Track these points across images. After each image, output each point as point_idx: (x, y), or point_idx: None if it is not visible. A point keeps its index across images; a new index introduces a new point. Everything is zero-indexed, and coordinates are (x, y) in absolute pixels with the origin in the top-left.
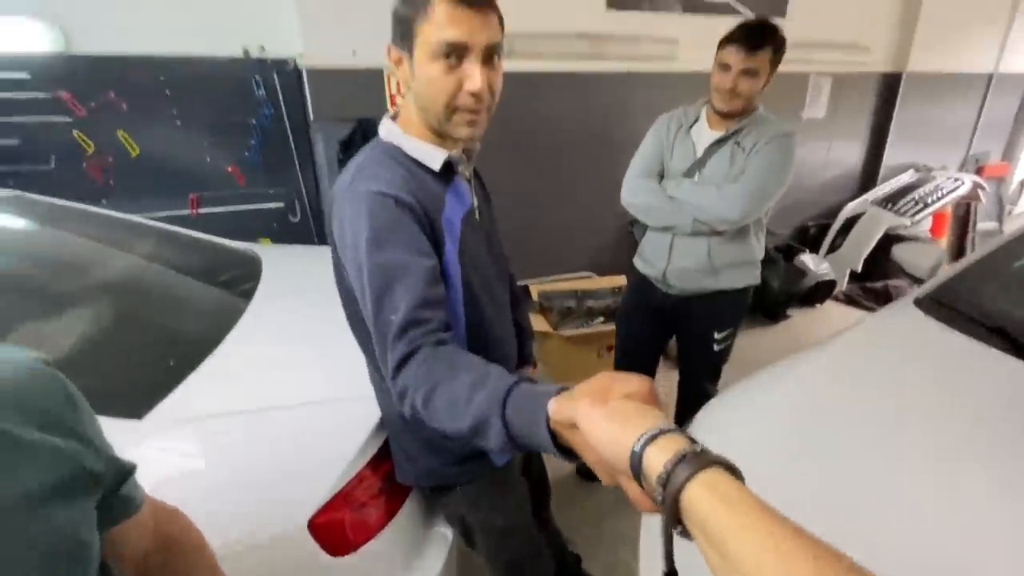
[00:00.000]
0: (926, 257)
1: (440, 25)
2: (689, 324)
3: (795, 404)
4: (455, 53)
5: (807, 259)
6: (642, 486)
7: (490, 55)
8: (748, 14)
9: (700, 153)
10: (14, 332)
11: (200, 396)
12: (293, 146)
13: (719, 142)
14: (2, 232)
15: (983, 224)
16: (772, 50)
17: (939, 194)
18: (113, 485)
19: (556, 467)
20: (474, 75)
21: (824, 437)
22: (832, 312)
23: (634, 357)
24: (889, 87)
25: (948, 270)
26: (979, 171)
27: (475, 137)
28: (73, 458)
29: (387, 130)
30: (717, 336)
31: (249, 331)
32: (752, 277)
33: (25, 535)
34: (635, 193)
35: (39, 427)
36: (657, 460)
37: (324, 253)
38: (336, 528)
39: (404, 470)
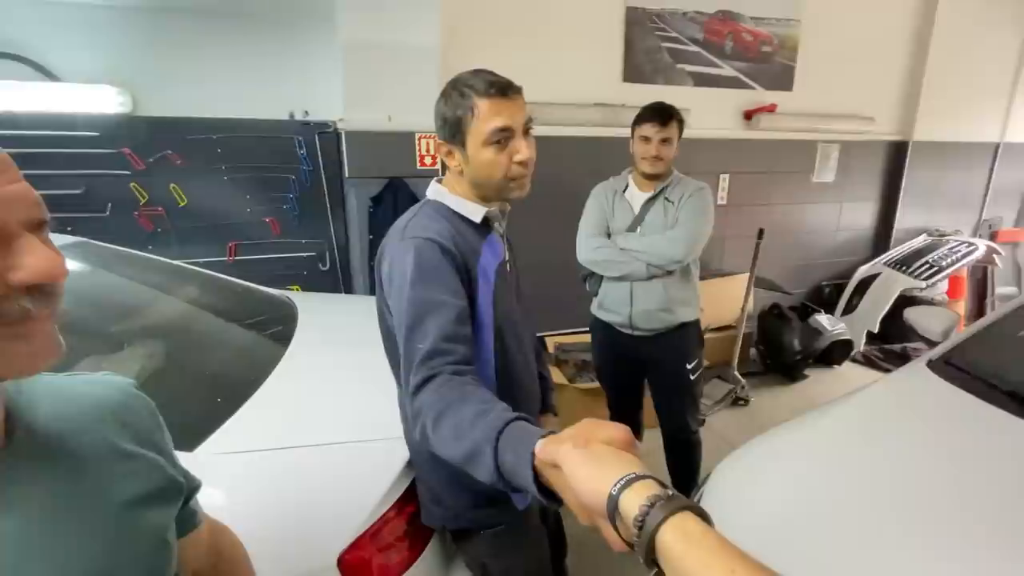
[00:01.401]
0: (938, 320)
1: (487, 118)
2: (661, 362)
3: (805, 466)
4: (503, 136)
5: (822, 319)
6: (617, 528)
7: (526, 129)
8: (756, 87)
9: (637, 211)
10: (79, 365)
11: (244, 432)
12: (328, 200)
13: (651, 199)
14: (72, 275)
15: (1002, 288)
16: (677, 123)
17: (953, 258)
18: (186, 498)
19: (572, 518)
20: (521, 148)
21: (834, 500)
22: (850, 373)
23: (622, 404)
24: (897, 154)
25: (960, 333)
26: (993, 236)
27: (524, 195)
28: (163, 469)
29: (435, 191)
30: (688, 367)
31: (287, 373)
32: (696, 312)
33: (133, 532)
34: (592, 250)
35: (137, 442)
36: (632, 504)
37: (353, 302)
38: (363, 567)
39: (429, 512)
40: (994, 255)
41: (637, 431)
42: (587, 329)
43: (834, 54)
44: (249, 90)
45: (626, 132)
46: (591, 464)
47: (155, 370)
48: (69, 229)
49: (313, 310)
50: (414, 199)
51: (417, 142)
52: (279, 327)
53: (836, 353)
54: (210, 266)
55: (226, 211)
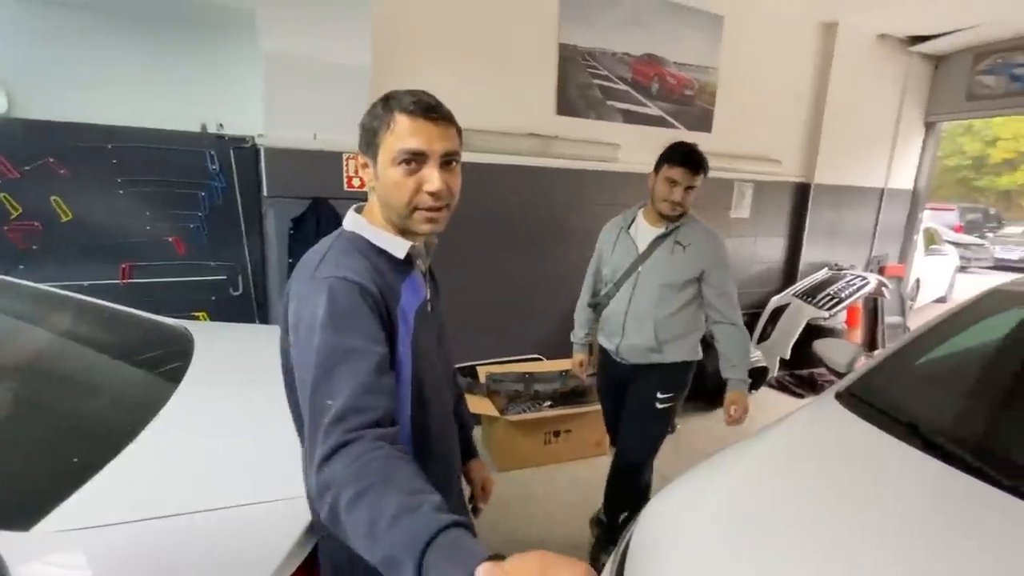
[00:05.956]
0: (843, 352)
1: (401, 136)
2: (637, 388)
3: (725, 504)
4: (415, 160)
5: None
6: None
7: (448, 161)
8: (679, 127)
9: (643, 247)
10: None
11: (105, 500)
12: (243, 220)
13: (661, 238)
14: None
15: (890, 318)
16: (704, 173)
17: (850, 290)
18: None
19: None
20: (432, 178)
21: (752, 535)
22: (765, 398)
23: (615, 428)
24: (801, 195)
25: (863, 365)
26: (881, 271)
27: (435, 232)
28: None
29: (353, 222)
30: (660, 396)
31: (173, 420)
32: (694, 353)
33: None
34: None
35: None
36: None
37: (265, 332)
38: None
39: None
40: (883, 287)
41: None
42: (520, 358)
43: (747, 101)
44: (154, 98)
45: (559, 163)
46: None
47: None
48: None
49: (215, 342)
50: (340, 222)
51: (345, 162)
52: (170, 363)
53: (753, 379)
54: (98, 289)
55: (120, 228)
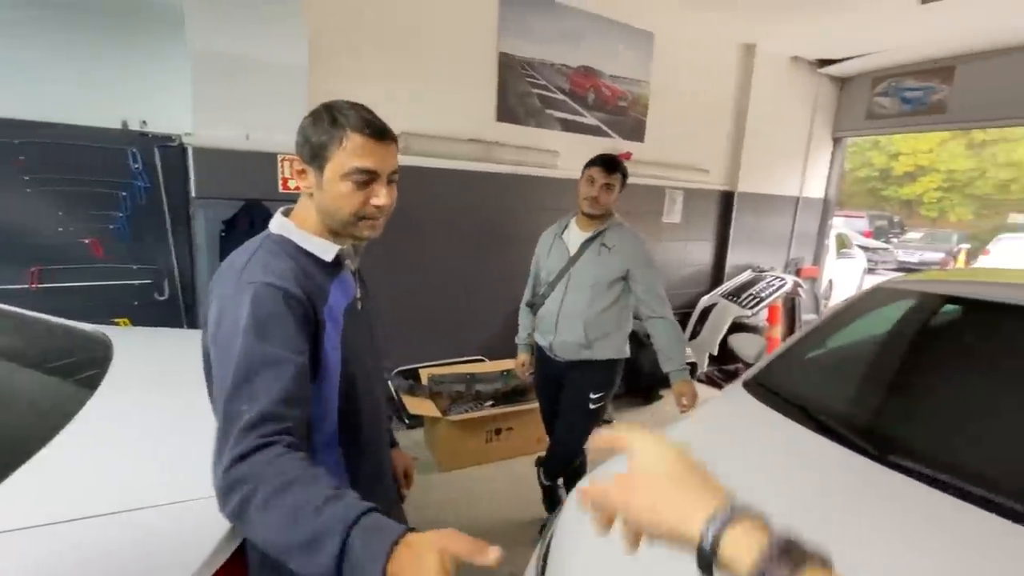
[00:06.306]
0: (751, 346)
1: (354, 154)
2: (570, 386)
3: None
4: (366, 178)
5: None
6: None
7: (390, 179)
8: (614, 136)
9: (574, 251)
10: None
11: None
12: (169, 221)
13: (588, 241)
14: None
15: (806, 315)
16: (620, 175)
17: (770, 290)
18: None
19: None
20: (380, 194)
21: None
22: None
23: (550, 422)
24: (727, 202)
25: (767, 356)
26: (798, 272)
27: (375, 237)
28: None
29: (279, 224)
30: (592, 396)
31: (88, 428)
32: (621, 351)
33: None
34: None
35: None
36: (742, 554)
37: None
38: None
39: None
40: (799, 288)
41: None
42: (463, 359)
43: (677, 114)
44: (70, 92)
45: (501, 168)
46: None
47: None
48: None
49: (136, 347)
50: None
51: (280, 164)
52: (86, 370)
53: None
54: (3, 295)
55: (28, 229)
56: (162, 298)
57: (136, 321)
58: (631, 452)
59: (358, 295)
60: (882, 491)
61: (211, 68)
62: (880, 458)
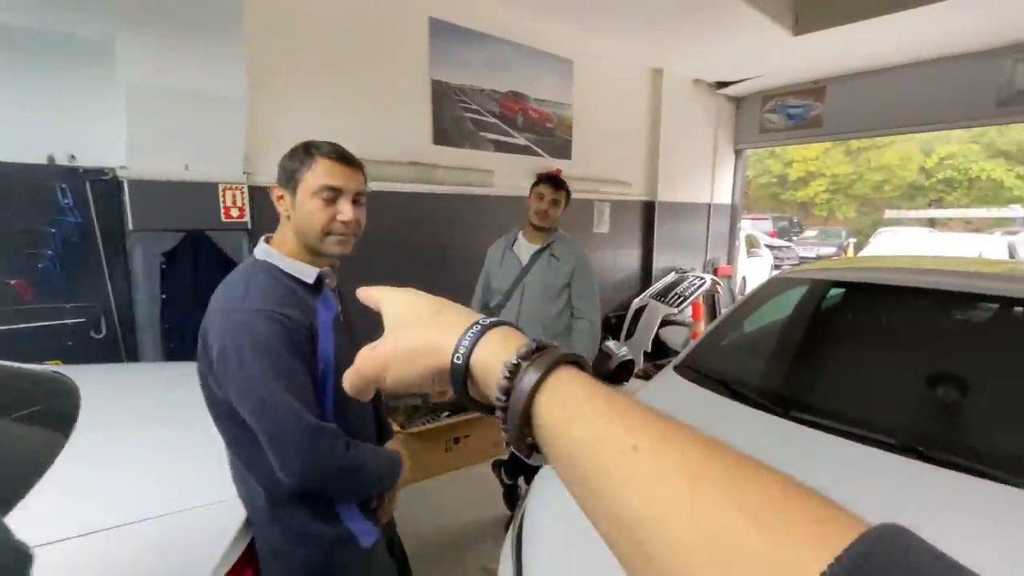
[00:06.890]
0: (678, 336)
1: (321, 174)
2: None
3: None
4: (332, 193)
5: (611, 344)
6: (470, 394)
7: (356, 199)
8: (544, 155)
9: (525, 262)
10: None
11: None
12: (104, 256)
13: (539, 252)
14: None
15: (725, 309)
16: (565, 192)
17: (692, 289)
18: None
19: (415, 545)
20: (345, 210)
21: None
22: (634, 387)
23: None
24: (649, 211)
25: (692, 343)
26: (715, 271)
27: (344, 254)
28: None
29: (263, 251)
30: None
31: (79, 455)
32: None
33: None
34: None
35: None
36: (493, 358)
37: (140, 370)
38: None
39: (272, 570)
40: (717, 285)
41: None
42: None
43: (598, 132)
44: None
45: (438, 188)
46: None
47: None
48: None
49: (98, 384)
50: (220, 254)
51: (221, 193)
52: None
53: (624, 371)
54: None
55: None
56: (99, 336)
57: (72, 361)
58: (382, 308)
59: (339, 310)
60: (786, 438)
61: (146, 101)
62: (785, 414)
